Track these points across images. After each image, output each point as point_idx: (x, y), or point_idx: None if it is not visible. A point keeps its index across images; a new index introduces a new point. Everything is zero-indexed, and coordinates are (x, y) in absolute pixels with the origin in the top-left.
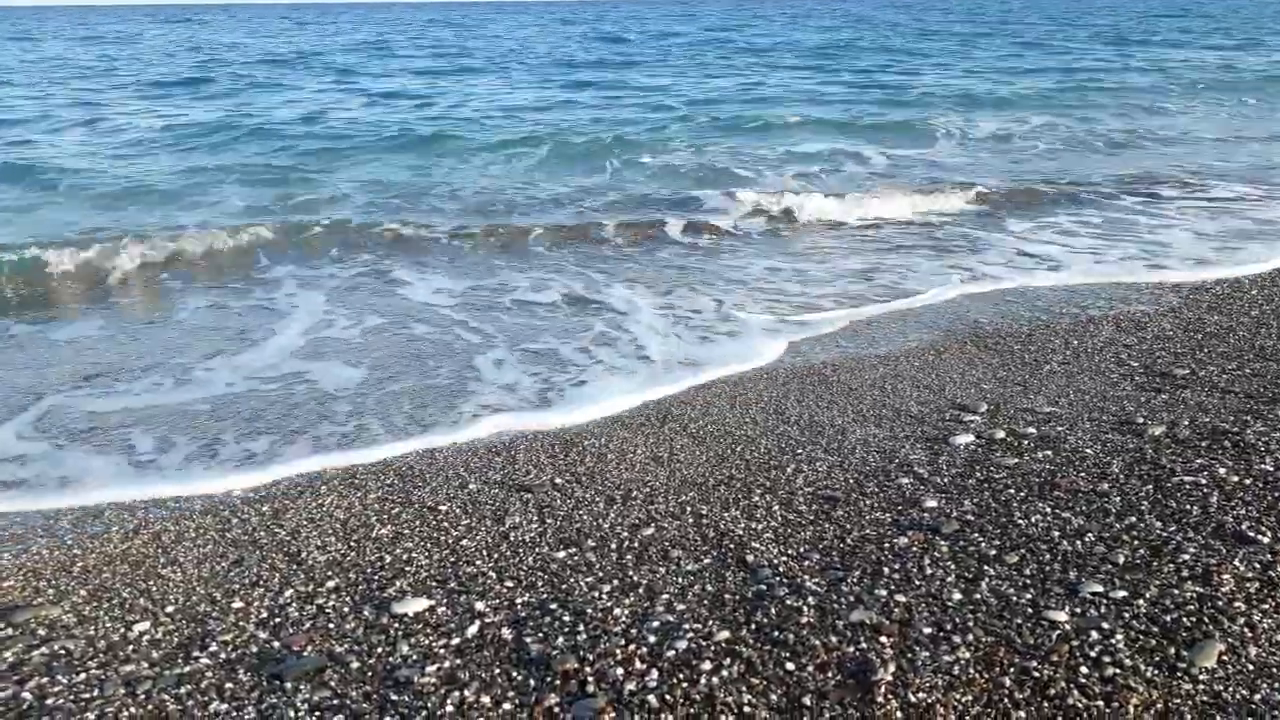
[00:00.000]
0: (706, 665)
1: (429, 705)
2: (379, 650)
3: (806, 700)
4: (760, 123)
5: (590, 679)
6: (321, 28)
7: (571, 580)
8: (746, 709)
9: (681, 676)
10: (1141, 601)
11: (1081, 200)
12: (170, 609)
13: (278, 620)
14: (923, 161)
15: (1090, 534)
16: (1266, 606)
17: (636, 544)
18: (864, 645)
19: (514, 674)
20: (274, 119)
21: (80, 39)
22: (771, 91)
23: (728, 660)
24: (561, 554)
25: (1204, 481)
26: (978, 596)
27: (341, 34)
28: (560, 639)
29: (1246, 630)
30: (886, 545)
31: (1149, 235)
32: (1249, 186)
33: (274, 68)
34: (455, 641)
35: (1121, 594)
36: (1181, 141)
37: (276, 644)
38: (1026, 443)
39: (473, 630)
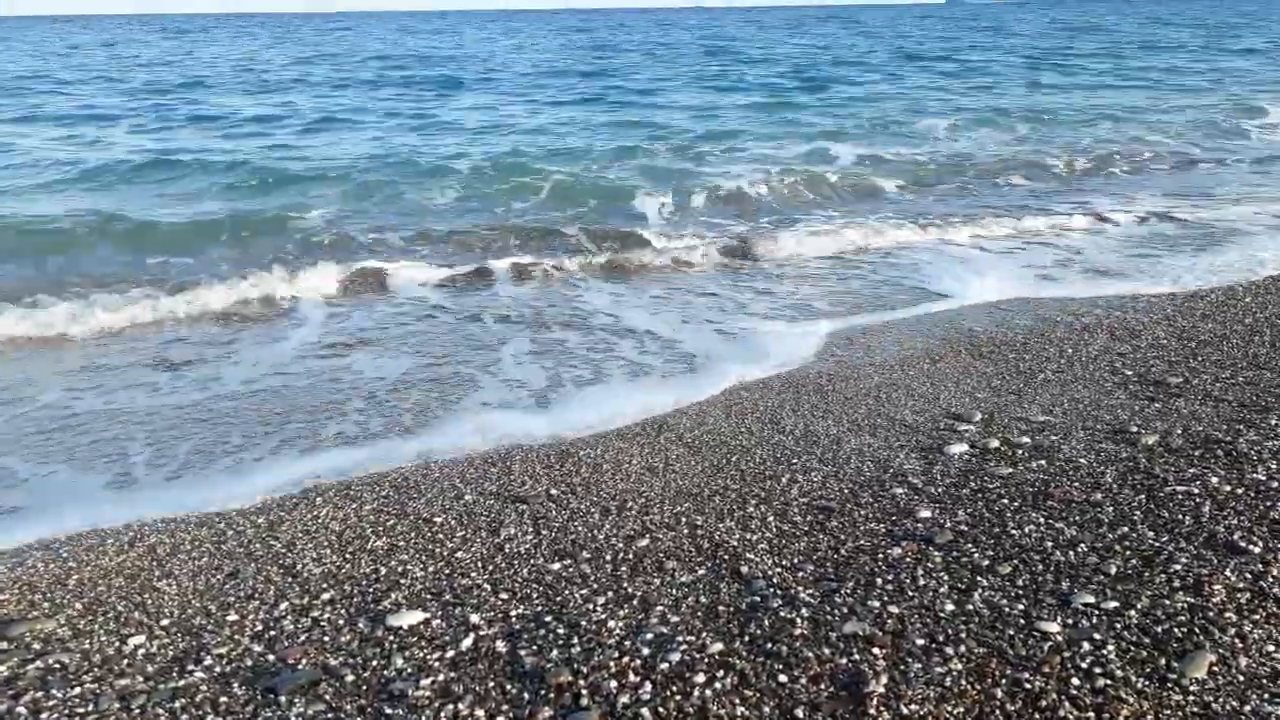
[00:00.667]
0: (700, 677)
1: (423, 719)
2: (374, 663)
3: (799, 712)
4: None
5: (584, 692)
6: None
7: (566, 592)
8: None
9: (675, 689)
10: (1133, 612)
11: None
12: (165, 622)
13: (273, 633)
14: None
15: (1083, 544)
16: (1257, 617)
17: (631, 555)
18: (857, 657)
19: (508, 687)
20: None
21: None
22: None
23: (721, 672)
24: (556, 566)
25: (1196, 491)
26: (970, 607)
27: (339, 43)
28: (554, 652)
29: (1237, 641)
30: (880, 556)
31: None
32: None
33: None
34: (450, 654)
35: (1113, 605)
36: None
37: (271, 657)
38: (1021, 452)
39: (467, 643)
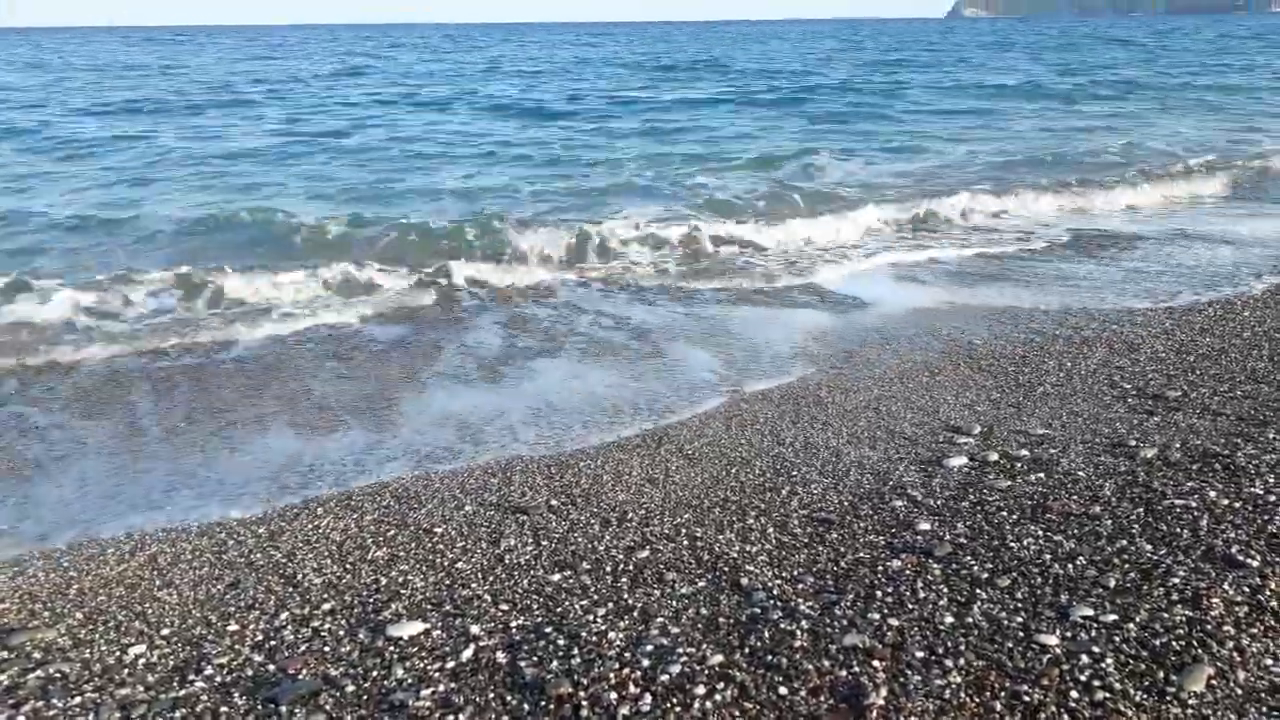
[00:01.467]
0: (700, 689)
1: None
2: (374, 674)
3: None
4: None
5: (584, 703)
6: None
7: (566, 603)
8: None
9: (675, 701)
10: (1132, 625)
11: None
12: (166, 632)
13: (273, 643)
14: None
15: (1082, 557)
16: (1255, 630)
17: (631, 567)
18: (856, 669)
19: (508, 698)
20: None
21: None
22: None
23: (721, 684)
24: (556, 577)
25: (1194, 504)
26: (970, 620)
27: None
28: (555, 663)
29: (1235, 655)
30: (880, 568)
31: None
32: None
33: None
34: (450, 665)
35: (1112, 617)
36: None
37: (272, 667)
38: (1019, 465)
39: (468, 654)
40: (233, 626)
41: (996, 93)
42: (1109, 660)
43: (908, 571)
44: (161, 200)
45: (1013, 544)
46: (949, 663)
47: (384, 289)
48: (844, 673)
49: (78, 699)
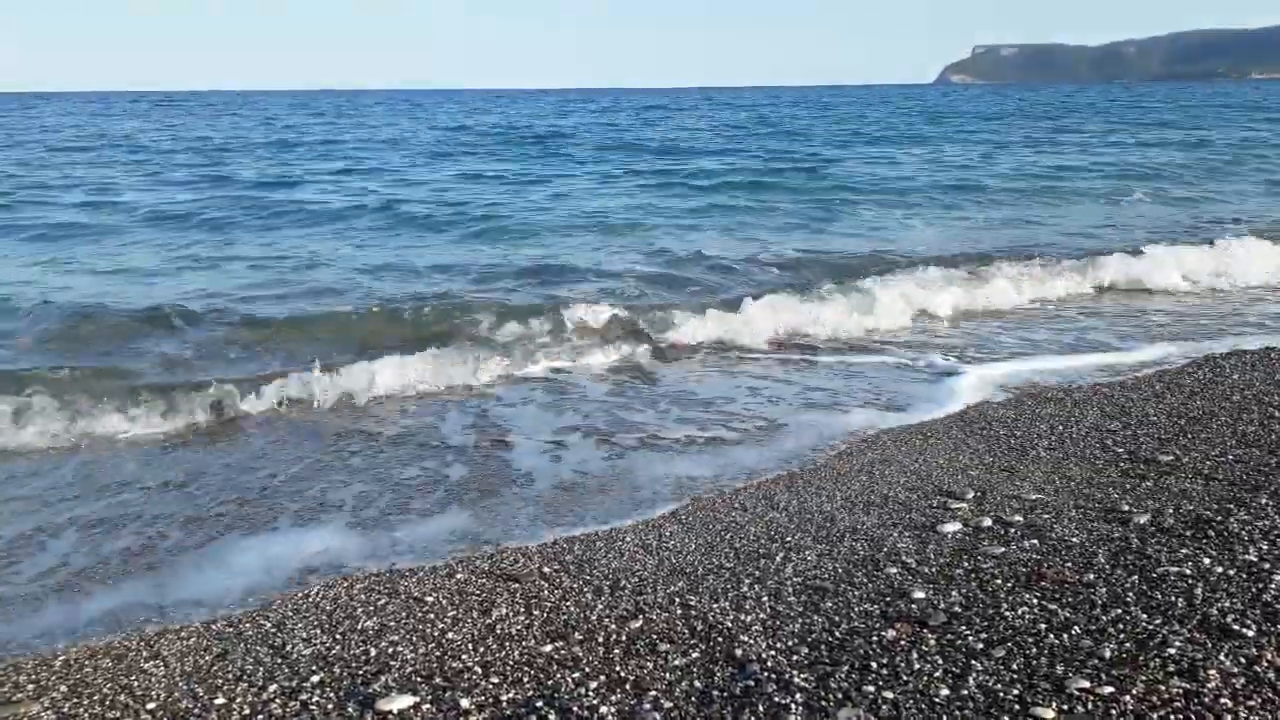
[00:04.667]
0: None
1: None
2: None
3: None
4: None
5: None
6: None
7: (558, 675)
8: None
9: None
10: (1129, 698)
11: None
12: (151, 705)
13: (260, 717)
14: None
15: (1077, 627)
16: (1253, 703)
17: (624, 637)
18: None
19: None
20: None
21: None
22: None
23: None
24: (548, 647)
25: (1189, 572)
26: (965, 692)
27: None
28: None
29: None
30: (874, 638)
31: None
32: None
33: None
34: None
35: (1108, 690)
36: None
37: None
38: (1013, 531)
39: None
40: (219, 700)
41: None
42: None
43: (903, 641)
44: None
45: (1007, 613)
46: None
47: None
48: None
49: None
